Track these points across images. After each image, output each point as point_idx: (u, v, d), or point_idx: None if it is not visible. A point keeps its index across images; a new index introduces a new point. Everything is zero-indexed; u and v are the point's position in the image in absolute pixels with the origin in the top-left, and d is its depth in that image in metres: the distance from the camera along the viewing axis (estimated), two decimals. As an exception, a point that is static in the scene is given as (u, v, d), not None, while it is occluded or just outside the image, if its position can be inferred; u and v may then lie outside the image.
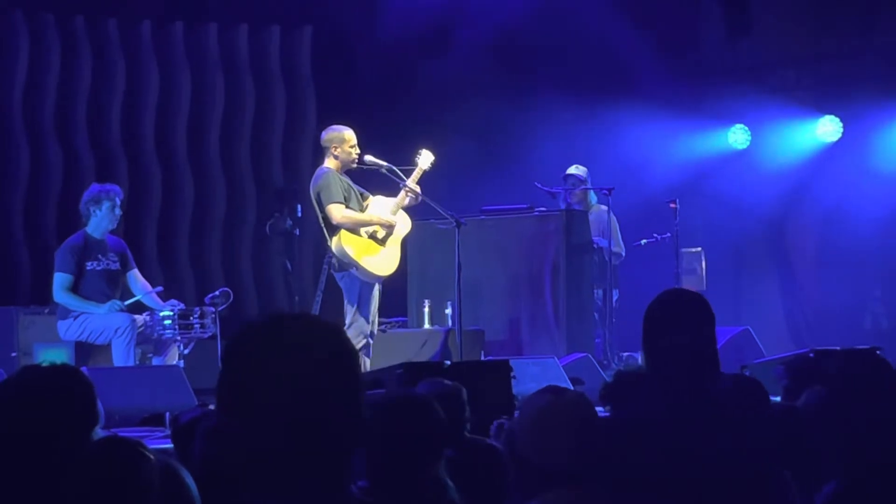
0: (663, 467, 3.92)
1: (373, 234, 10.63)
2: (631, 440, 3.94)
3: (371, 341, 10.68)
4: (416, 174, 10.79)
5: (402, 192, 10.75)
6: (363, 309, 10.59)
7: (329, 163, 10.69)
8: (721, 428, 3.99)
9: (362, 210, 10.69)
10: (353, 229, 10.56)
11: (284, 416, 2.26)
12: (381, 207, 10.76)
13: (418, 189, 10.78)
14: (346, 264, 10.57)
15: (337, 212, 10.52)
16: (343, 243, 10.54)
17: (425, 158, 10.87)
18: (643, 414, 4.09)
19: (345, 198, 10.58)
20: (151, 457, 3.56)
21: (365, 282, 10.57)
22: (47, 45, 14.01)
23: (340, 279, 10.69)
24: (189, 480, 3.87)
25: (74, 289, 10.26)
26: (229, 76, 14.98)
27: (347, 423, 2.31)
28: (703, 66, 16.21)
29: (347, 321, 10.56)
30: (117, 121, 14.37)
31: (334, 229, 10.57)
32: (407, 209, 10.89)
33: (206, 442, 4.59)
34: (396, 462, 4.22)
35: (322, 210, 10.57)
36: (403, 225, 10.85)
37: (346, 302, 10.68)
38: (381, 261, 10.61)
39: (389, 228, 10.68)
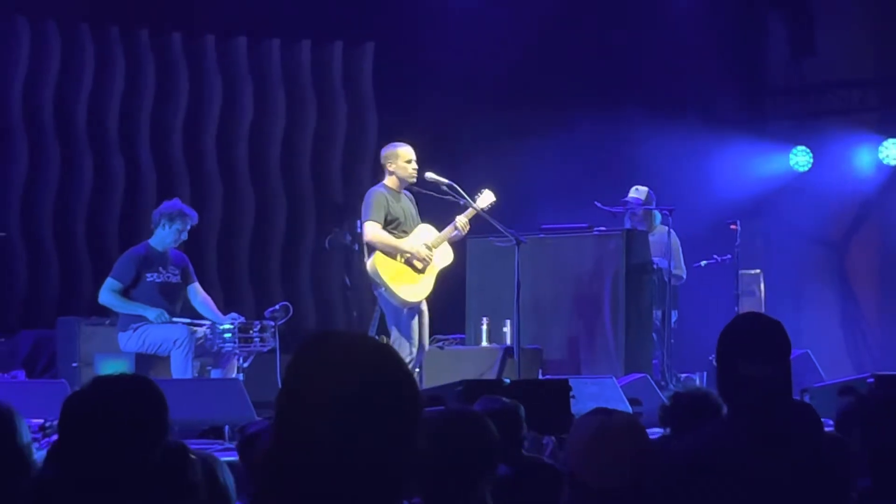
0: (733, 498, 3.87)
1: (409, 260, 10.63)
2: (701, 469, 3.89)
3: (418, 360, 10.70)
4: (469, 212, 10.79)
5: (450, 227, 10.77)
6: (404, 328, 10.58)
7: (387, 180, 10.72)
8: (794, 461, 3.93)
9: (409, 233, 10.70)
10: (389, 252, 10.58)
11: (336, 433, 2.27)
12: (425, 236, 10.76)
13: (467, 227, 10.79)
14: (377, 283, 10.61)
15: (370, 230, 10.54)
16: (376, 263, 10.55)
17: (484, 199, 10.88)
18: (715, 443, 4.02)
19: (390, 220, 10.58)
20: (194, 457, 3.58)
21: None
22: (112, 58, 14.13)
23: (378, 297, 10.75)
24: (226, 474, 3.89)
25: (129, 297, 10.33)
26: (291, 91, 15.05)
27: (399, 447, 2.31)
28: (766, 87, 16.16)
29: (392, 338, 10.59)
30: (180, 135, 14.47)
31: (371, 248, 10.62)
32: (452, 242, 10.91)
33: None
34: (450, 478, 4.21)
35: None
36: (443, 258, 10.83)
37: (387, 321, 10.72)
38: (411, 288, 10.60)
39: (423, 261, 10.68)
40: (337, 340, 2.34)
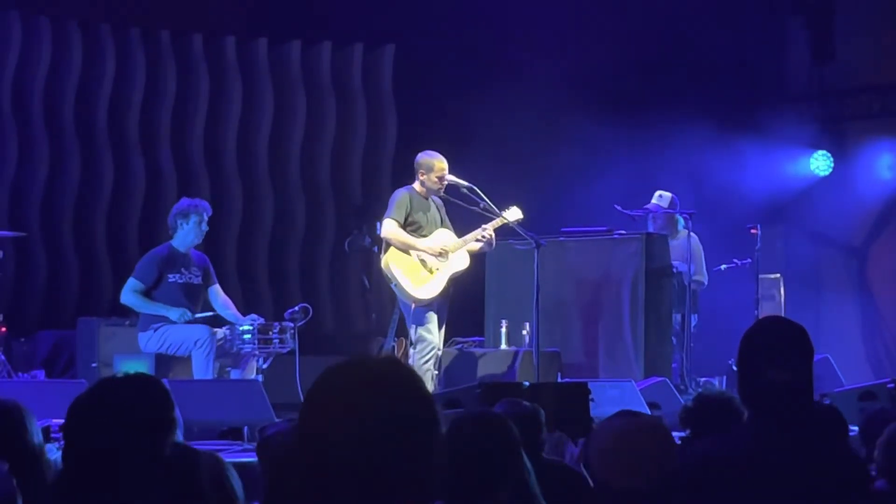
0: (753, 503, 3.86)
1: (422, 258, 10.65)
2: (722, 473, 3.88)
3: (439, 353, 10.72)
4: (496, 222, 10.82)
5: (472, 234, 10.79)
6: (420, 324, 10.60)
7: (416, 185, 10.77)
8: (815, 467, 3.92)
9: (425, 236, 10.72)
10: (403, 249, 10.60)
11: (355, 456, 2.30)
12: (443, 239, 10.77)
13: (493, 236, 10.80)
14: (388, 279, 10.64)
15: (387, 226, 10.62)
16: (389, 259, 10.64)
17: (512, 214, 10.92)
18: (737, 447, 4.01)
19: (410, 221, 10.62)
20: (203, 461, 3.58)
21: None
22: (133, 59, 14.17)
23: (398, 294, 10.78)
24: (233, 476, 3.89)
25: (150, 298, 10.35)
26: (311, 93, 15.07)
27: (418, 470, 2.35)
28: (786, 91, 16.12)
29: (413, 338, 10.61)
30: (200, 136, 14.50)
31: (387, 245, 10.65)
32: (475, 252, 10.91)
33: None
34: (471, 480, 4.21)
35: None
36: (459, 262, 10.82)
37: (406, 320, 10.73)
38: (422, 285, 10.61)
39: (438, 259, 10.69)
40: (362, 363, 2.39)
